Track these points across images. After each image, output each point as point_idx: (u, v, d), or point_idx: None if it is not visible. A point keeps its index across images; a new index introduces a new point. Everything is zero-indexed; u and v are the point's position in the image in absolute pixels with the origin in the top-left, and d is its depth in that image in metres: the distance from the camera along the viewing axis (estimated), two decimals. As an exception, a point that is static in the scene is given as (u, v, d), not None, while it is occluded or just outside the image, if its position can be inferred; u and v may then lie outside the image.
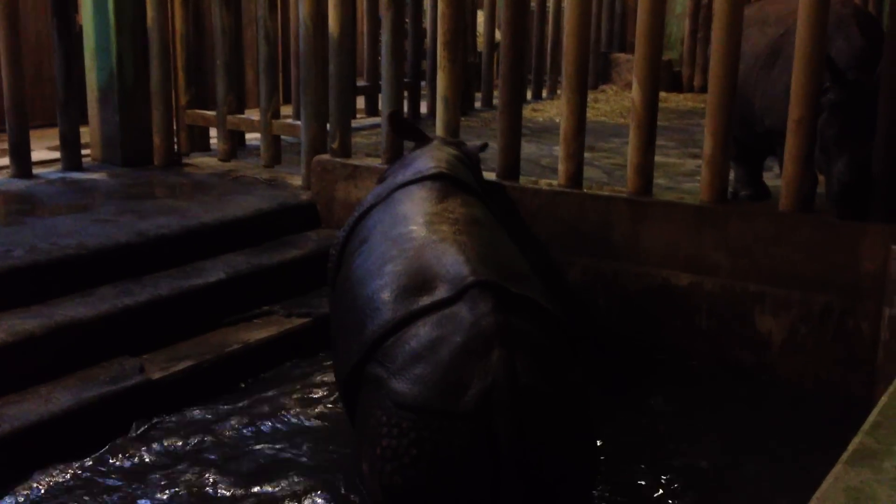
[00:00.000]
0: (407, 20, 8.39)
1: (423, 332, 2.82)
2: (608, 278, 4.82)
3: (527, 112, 9.56)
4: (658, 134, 8.59)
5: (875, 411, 1.86)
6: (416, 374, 2.73)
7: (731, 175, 5.64)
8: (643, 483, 3.62)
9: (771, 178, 5.58)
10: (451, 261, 3.00)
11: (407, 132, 4.52)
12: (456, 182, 3.71)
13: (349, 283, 3.36)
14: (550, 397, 2.74)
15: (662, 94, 11.11)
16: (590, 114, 9.63)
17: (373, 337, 2.94)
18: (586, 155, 7.29)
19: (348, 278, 3.40)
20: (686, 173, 6.60)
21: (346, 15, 5.48)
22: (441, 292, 2.89)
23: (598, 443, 3.32)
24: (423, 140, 4.40)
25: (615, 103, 10.35)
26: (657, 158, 7.29)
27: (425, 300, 2.90)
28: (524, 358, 2.70)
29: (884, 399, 1.95)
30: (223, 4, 6.27)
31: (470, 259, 2.99)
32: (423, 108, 9.07)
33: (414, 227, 3.30)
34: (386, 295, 3.01)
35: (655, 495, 3.55)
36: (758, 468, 3.77)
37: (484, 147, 4.40)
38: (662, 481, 3.63)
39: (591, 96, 10.83)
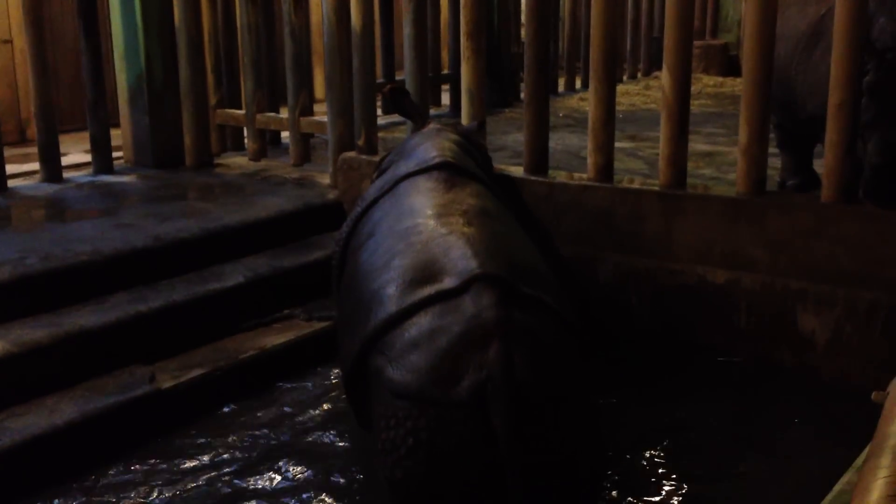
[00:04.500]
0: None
1: (423, 321, 2.76)
2: (640, 275, 4.59)
3: (573, 102, 9.32)
4: (708, 121, 8.41)
5: (872, 443, 1.63)
6: (411, 363, 2.68)
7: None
8: (654, 487, 3.45)
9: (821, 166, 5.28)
10: (459, 254, 2.90)
11: (404, 109, 4.35)
12: (462, 171, 3.58)
13: (356, 279, 3.27)
14: (548, 395, 2.64)
15: (718, 79, 10.79)
16: (640, 101, 9.40)
17: (375, 327, 2.87)
18: (630, 145, 7.09)
19: (355, 274, 3.31)
20: (735, 163, 6.30)
21: (368, 10, 5.32)
22: (446, 284, 2.81)
23: (607, 450, 3.15)
24: (419, 120, 4.28)
25: (668, 90, 10.02)
26: (705, 147, 7.06)
27: (429, 290, 2.82)
28: (524, 354, 2.61)
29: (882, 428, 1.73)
30: (249, 2, 6.16)
31: (478, 252, 2.89)
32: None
33: (421, 219, 3.20)
34: (392, 289, 2.93)
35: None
36: (786, 475, 3.55)
37: (481, 125, 4.22)
38: (673, 484, 3.44)
39: (642, 83, 10.57)
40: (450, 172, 3.52)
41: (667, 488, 3.46)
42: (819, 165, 5.12)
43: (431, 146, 3.75)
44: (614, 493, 3.42)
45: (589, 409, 2.80)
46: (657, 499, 3.40)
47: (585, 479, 2.78)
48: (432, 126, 4.16)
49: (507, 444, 2.49)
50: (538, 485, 2.57)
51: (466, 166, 3.64)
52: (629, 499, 3.39)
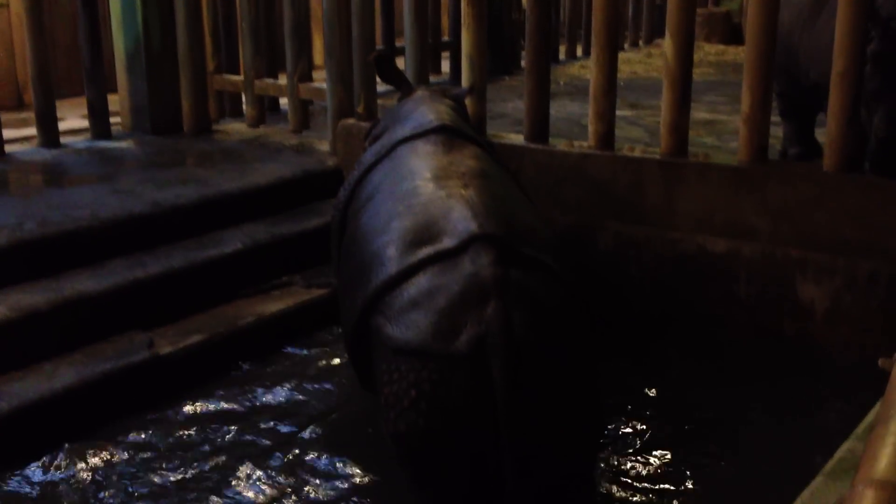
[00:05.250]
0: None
1: (422, 280, 2.80)
2: (640, 244, 4.57)
3: (574, 69, 9.26)
4: (711, 89, 8.36)
5: (874, 410, 1.61)
6: (411, 320, 2.72)
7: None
8: (650, 456, 3.46)
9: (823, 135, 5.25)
10: (458, 215, 2.92)
11: (392, 78, 4.30)
12: (459, 134, 3.59)
13: (356, 241, 3.28)
14: (546, 353, 2.66)
15: (720, 48, 10.71)
16: (641, 69, 9.34)
17: (376, 288, 2.90)
18: (631, 113, 7.05)
19: (355, 236, 3.33)
20: (736, 131, 6.26)
21: (368, -27, 5.27)
22: (446, 244, 2.84)
23: (604, 412, 3.16)
24: (406, 86, 4.25)
25: (669, 58, 9.96)
26: (707, 115, 7.02)
27: (428, 251, 2.85)
28: (522, 313, 2.64)
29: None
30: (248, -35, 6.10)
31: (477, 213, 2.90)
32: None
33: (420, 182, 3.21)
34: (392, 250, 2.96)
35: (658, 466, 3.38)
36: (786, 444, 3.56)
37: (471, 90, 4.19)
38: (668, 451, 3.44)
39: (644, 51, 10.50)
40: (448, 135, 3.53)
41: (663, 457, 3.47)
42: (821, 134, 5.10)
43: (428, 110, 3.74)
44: (611, 456, 3.44)
45: (588, 368, 2.81)
46: (653, 466, 3.42)
47: (583, 435, 2.80)
48: (422, 92, 4.13)
49: (505, 397, 2.52)
50: (536, 439, 2.60)
51: (464, 130, 3.64)
52: (627, 466, 3.41)
